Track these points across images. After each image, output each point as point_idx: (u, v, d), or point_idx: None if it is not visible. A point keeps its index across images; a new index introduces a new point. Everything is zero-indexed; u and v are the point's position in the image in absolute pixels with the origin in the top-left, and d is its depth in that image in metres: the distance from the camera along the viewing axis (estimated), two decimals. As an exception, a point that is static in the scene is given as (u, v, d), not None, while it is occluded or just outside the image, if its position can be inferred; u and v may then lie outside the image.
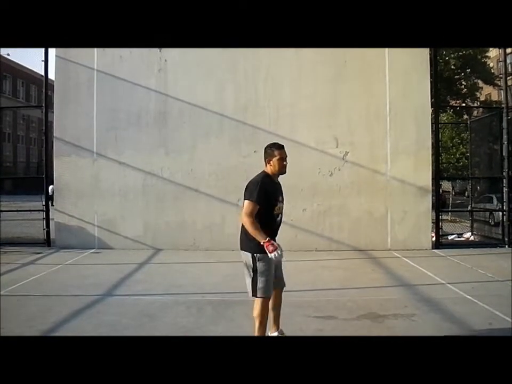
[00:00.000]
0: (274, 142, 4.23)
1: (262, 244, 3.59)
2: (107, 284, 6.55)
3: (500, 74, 13.79)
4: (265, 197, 3.93)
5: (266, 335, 3.77)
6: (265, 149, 4.17)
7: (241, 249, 3.91)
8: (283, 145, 4.20)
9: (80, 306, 5.37)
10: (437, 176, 10.21)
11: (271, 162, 4.12)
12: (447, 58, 22.51)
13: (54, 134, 9.97)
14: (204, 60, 9.70)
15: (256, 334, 3.54)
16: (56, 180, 9.92)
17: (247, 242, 3.81)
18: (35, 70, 35.83)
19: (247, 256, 3.80)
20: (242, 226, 3.86)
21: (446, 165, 17.80)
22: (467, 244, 10.49)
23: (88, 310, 5.29)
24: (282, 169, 4.18)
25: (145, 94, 9.85)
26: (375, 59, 9.65)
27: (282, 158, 4.17)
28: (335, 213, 9.67)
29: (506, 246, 9.89)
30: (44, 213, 10.07)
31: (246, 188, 3.97)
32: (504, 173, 10.22)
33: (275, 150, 4.11)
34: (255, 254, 3.73)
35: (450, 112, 22.57)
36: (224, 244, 8.96)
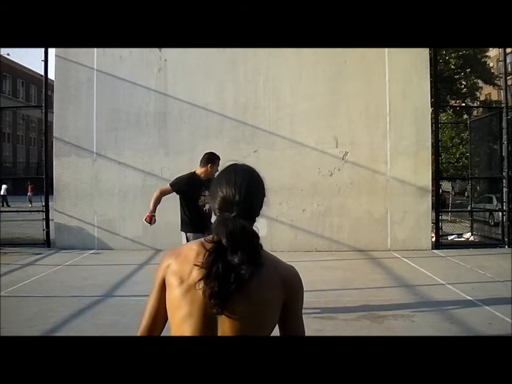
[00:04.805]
0: (215, 153, 4.99)
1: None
2: (107, 284, 6.55)
3: (500, 74, 13.80)
4: (186, 189, 4.81)
5: None
6: (209, 155, 4.97)
7: (181, 230, 4.87)
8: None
9: (81, 307, 5.37)
10: (437, 176, 10.21)
11: (208, 167, 4.86)
12: (447, 58, 22.51)
13: (54, 134, 9.97)
14: (204, 60, 9.70)
15: None
16: (56, 180, 9.91)
17: (180, 225, 4.86)
18: (35, 70, 35.87)
19: (183, 236, 4.79)
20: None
21: (446, 165, 17.80)
22: (467, 244, 10.49)
23: (88, 310, 5.29)
24: (211, 176, 4.76)
25: (145, 94, 9.85)
26: (375, 59, 9.66)
27: (217, 169, 4.84)
28: (335, 213, 9.67)
29: (506, 246, 9.88)
30: (44, 213, 10.06)
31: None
32: (504, 173, 10.22)
33: (217, 160, 4.83)
34: (187, 234, 4.71)
35: (450, 112, 22.57)
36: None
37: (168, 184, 4.96)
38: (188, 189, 4.81)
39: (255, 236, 1.25)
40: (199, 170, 4.93)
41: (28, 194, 24.23)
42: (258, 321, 1.24)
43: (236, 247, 1.20)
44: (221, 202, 1.30)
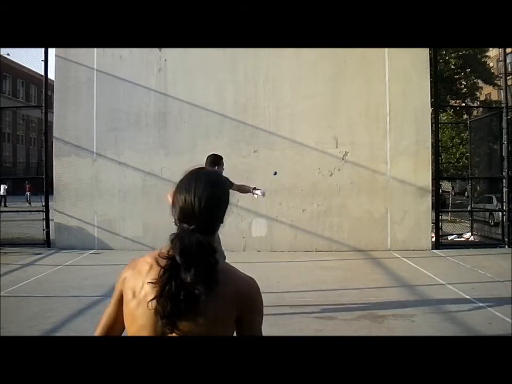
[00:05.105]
0: (218, 154, 5.08)
1: None
2: (107, 284, 6.54)
3: (500, 74, 13.79)
4: None
5: None
6: (213, 157, 5.00)
7: None
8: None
9: (81, 307, 5.37)
10: (437, 176, 10.20)
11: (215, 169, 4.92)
12: (447, 58, 22.51)
13: (54, 134, 9.97)
14: (203, 60, 9.70)
15: None
16: (56, 180, 9.91)
17: None
18: (35, 70, 35.85)
19: None
20: None
21: (446, 165, 17.79)
22: (467, 244, 10.49)
23: (88, 310, 5.29)
24: None
25: (145, 94, 9.85)
26: (375, 59, 9.66)
27: (223, 169, 5.15)
28: (335, 213, 9.67)
29: (506, 246, 9.88)
30: (44, 213, 10.06)
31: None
32: (504, 173, 10.22)
33: (221, 161, 4.99)
34: None
35: (450, 112, 22.56)
36: (224, 244, 8.93)
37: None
38: None
39: (211, 252, 1.21)
40: None
41: (26, 194, 24.23)
42: (209, 335, 1.20)
43: (189, 265, 1.16)
44: (180, 213, 1.25)
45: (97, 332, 1.33)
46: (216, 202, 1.28)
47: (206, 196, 1.25)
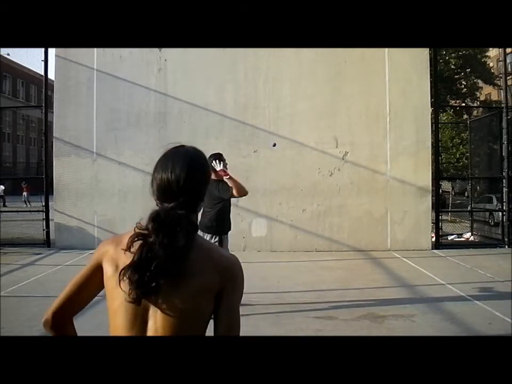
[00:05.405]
0: (215, 153, 5.04)
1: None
2: (107, 284, 6.54)
3: (500, 74, 13.80)
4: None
5: None
6: (210, 157, 4.86)
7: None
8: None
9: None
10: (437, 176, 10.20)
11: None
12: (447, 58, 22.51)
13: (54, 134, 9.97)
14: (203, 60, 9.70)
15: None
16: (56, 180, 9.91)
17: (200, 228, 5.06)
18: (35, 70, 35.84)
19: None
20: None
21: (446, 165, 17.79)
22: (467, 244, 10.49)
23: (88, 310, 5.28)
24: (221, 177, 4.93)
25: (145, 94, 9.85)
26: (375, 59, 9.66)
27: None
28: (335, 213, 9.67)
29: (506, 246, 9.88)
30: (44, 213, 10.06)
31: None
32: (504, 173, 10.22)
33: (223, 157, 5.00)
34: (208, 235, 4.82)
35: (450, 112, 22.56)
36: (224, 244, 8.96)
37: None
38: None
39: (192, 227, 1.18)
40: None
41: (23, 194, 24.20)
42: (189, 311, 1.18)
43: (163, 236, 1.15)
44: (158, 191, 1.23)
45: (57, 300, 1.29)
46: (195, 179, 1.24)
47: (184, 172, 1.22)
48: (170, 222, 1.16)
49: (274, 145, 6.68)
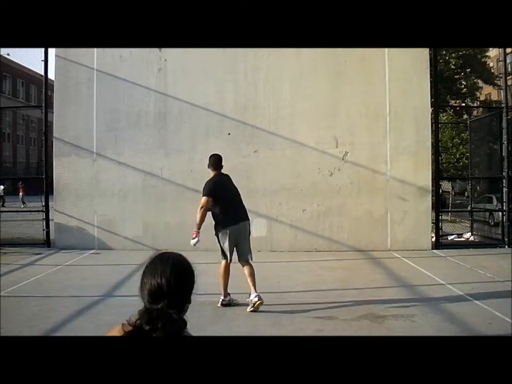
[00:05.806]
0: (215, 154, 5.74)
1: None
2: (107, 284, 6.55)
3: (500, 74, 13.80)
4: (221, 189, 5.42)
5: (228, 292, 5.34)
6: (214, 158, 5.69)
7: (217, 232, 5.44)
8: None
9: (81, 307, 5.36)
10: (437, 176, 10.20)
11: (220, 168, 5.67)
12: (447, 58, 22.51)
13: (54, 134, 9.97)
14: (203, 60, 9.69)
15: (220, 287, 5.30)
16: (56, 180, 9.91)
17: (217, 226, 5.42)
18: (35, 70, 35.82)
19: (221, 238, 5.41)
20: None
21: (446, 165, 17.78)
22: (467, 244, 10.48)
23: (88, 310, 5.29)
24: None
25: (145, 94, 9.85)
26: (375, 59, 9.65)
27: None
28: (335, 213, 9.67)
29: (506, 246, 9.87)
30: (44, 213, 10.06)
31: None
32: (504, 173, 10.21)
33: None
34: (230, 228, 5.31)
35: (450, 112, 22.56)
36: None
37: (205, 197, 5.35)
38: (222, 189, 5.41)
39: (181, 325, 1.27)
40: (217, 172, 5.60)
41: (20, 194, 24.18)
42: None
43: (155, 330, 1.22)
44: (149, 296, 1.33)
45: None
46: (183, 284, 1.36)
47: (173, 278, 1.32)
48: (162, 320, 1.25)
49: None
